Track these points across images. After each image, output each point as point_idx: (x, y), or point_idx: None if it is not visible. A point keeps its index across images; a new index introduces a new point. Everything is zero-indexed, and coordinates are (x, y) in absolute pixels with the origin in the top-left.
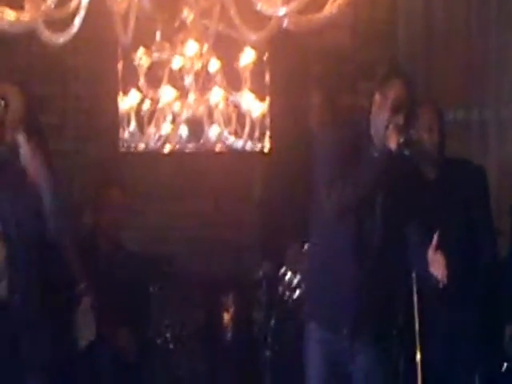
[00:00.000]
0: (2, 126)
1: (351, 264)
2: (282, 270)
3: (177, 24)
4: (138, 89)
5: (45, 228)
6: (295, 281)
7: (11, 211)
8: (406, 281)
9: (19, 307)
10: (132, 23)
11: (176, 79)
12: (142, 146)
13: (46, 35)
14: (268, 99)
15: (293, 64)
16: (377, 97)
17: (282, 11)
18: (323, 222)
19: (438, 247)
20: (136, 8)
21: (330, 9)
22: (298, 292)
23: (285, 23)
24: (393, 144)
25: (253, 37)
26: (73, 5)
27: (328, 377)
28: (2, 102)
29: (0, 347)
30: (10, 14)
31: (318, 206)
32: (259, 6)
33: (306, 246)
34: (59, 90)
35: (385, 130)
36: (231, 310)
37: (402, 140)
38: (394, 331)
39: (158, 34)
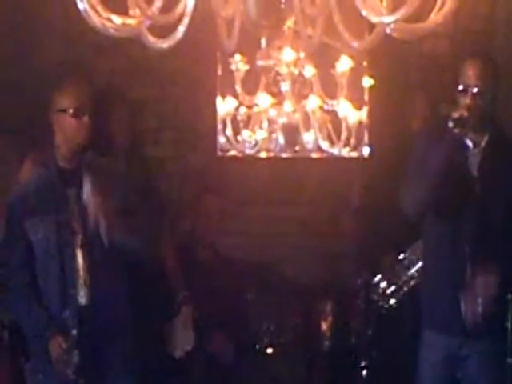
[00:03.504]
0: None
1: (457, 267)
2: (379, 279)
3: (279, 31)
4: (235, 95)
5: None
6: (391, 290)
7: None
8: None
9: (101, 317)
10: (237, 29)
11: (272, 86)
12: (237, 152)
13: (151, 40)
14: (366, 106)
15: (392, 71)
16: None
17: (390, 19)
18: (428, 229)
19: None
20: (241, 14)
21: (435, 18)
22: (393, 301)
23: (389, 31)
24: (450, 122)
25: (355, 44)
26: (178, 10)
27: (439, 380)
28: (86, 119)
29: (91, 352)
30: (116, 19)
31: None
32: (365, 13)
33: (402, 255)
34: (158, 93)
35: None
36: (329, 318)
37: (455, 115)
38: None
39: (264, 42)
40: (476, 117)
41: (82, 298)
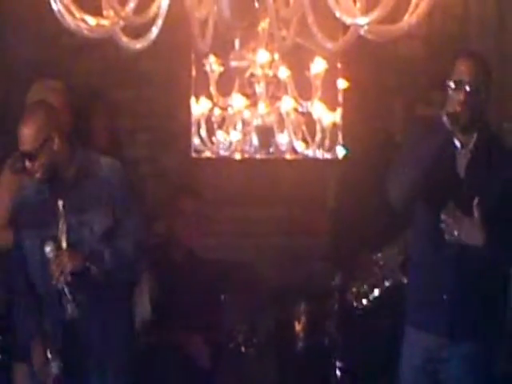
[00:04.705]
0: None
1: (444, 264)
2: (353, 279)
3: (253, 33)
4: (209, 96)
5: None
6: (365, 290)
7: (78, 234)
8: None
9: (85, 332)
10: (211, 30)
11: (246, 87)
12: (212, 153)
13: (124, 41)
14: (340, 108)
15: (366, 73)
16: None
17: (364, 21)
18: (416, 226)
19: None
20: (215, 15)
21: (409, 19)
22: (365, 302)
23: (363, 33)
24: (444, 117)
25: (330, 46)
26: (152, 11)
27: (421, 381)
28: (37, 164)
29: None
30: (90, 20)
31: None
32: (338, 15)
33: (376, 256)
34: (132, 94)
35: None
36: (303, 318)
37: (449, 110)
38: (493, 336)
39: (238, 43)
40: (468, 114)
41: (67, 313)
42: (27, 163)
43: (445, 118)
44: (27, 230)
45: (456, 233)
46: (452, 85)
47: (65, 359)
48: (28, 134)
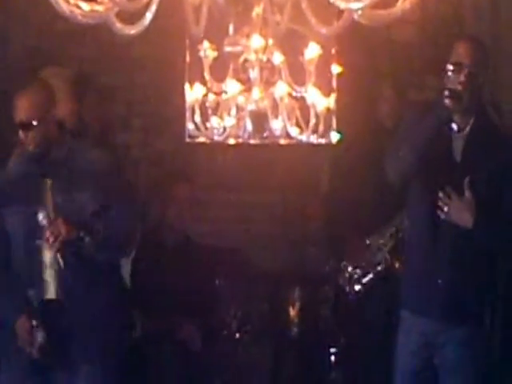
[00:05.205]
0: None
1: (439, 249)
2: (346, 264)
3: (247, 18)
4: (203, 81)
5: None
6: (358, 275)
7: (65, 214)
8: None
9: (68, 310)
10: (204, 15)
11: (240, 72)
12: (206, 138)
13: (118, 27)
14: (334, 94)
15: (360, 58)
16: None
17: (358, 5)
18: (411, 210)
19: None
20: (209, 0)
21: (402, 4)
22: (359, 287)
23: (357, 17)
24: (445, 92)
25: (323, 31)
26: None
27: (416, 366)
28: (31, 134)
29: (55, 344)
30: (84, 6)
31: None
32: (332, 0)
33: (369, 241)
34: (126, 80)
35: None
36: (297, 304)
37: (451, 86)
38: (487, 320)
39: (231, 28)
40: (466, 96)
41: (48, 292)
42: (21, 134)
43: (446, 93)
44: (12, 206)
45: (446, 209)
46: (451, 67)
47: (49, 336)
48: (23, 105)
